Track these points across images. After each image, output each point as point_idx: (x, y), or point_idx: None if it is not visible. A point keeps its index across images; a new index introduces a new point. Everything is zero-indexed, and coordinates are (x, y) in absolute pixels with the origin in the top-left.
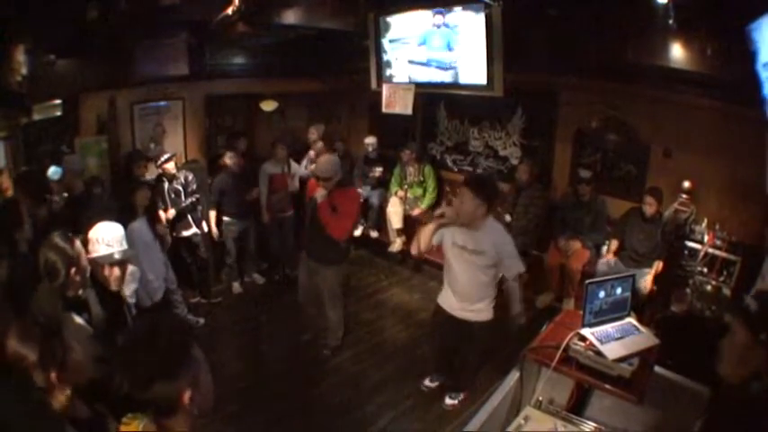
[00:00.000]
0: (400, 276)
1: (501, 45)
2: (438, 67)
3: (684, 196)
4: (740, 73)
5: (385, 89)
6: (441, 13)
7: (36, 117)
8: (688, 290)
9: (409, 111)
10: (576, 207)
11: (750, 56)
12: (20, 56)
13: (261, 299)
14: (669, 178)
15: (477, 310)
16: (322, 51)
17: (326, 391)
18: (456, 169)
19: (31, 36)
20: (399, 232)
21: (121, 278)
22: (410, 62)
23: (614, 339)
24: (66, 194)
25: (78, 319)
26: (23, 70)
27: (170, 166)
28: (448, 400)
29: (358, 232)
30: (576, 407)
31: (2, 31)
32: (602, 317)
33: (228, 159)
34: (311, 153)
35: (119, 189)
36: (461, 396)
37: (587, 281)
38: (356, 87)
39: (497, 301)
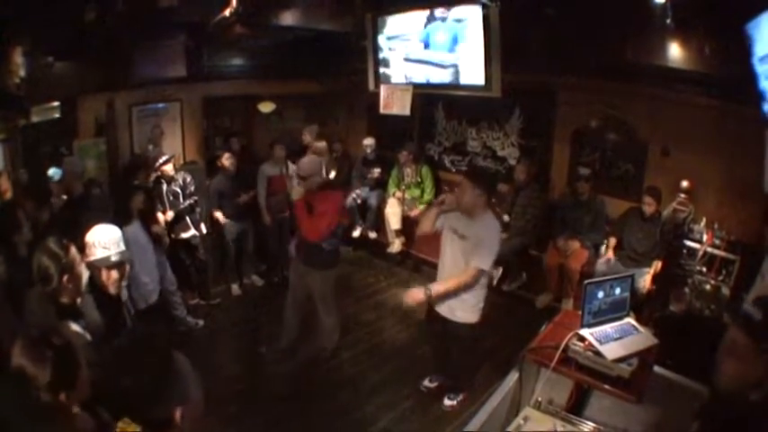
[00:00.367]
0: (399, 277)
1: (499, 45)
2: (438, 65)
3: (683, 195)
4: (738, 72)
5: (383, 90)
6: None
7: (34, 119)
8: (687, 289)
9: (407, 111)
10: (575, 207)
11: (748, 54)
12: (18, 58)
13: (260, 300)
14: (667, 177)
15: (462, 309)
16: (320, 52)
17: (326, 392)
18: (454, 170)
19: (30, 38)
20: (398, 233)
21: (120, 281)
22: (407, 60)
23: (613, 339)
24: (65, 196)
25: (75, 327)
26: (22, 72)
27: (168, 168)
28: (447, 401)
29: (356, 233)
30: (576, 407)
31: (0, 32)
32: (601, 317)
33: (226, 161)
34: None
35: (117, 191)
36: (460, 397)
37: (586, 281)
38: (354, 88)
39: (497, 301)
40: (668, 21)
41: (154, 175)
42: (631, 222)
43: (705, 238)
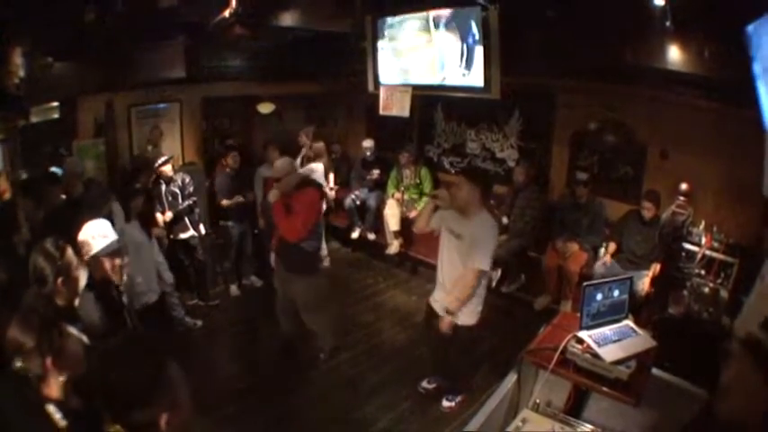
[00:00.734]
0: (398, 278)
1: (498, 47)
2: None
3: (682, 198)
4: (737, 74)
5: (382, 91)
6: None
7: (34, 120)
8: (685, 292)
9: (406, 113)
10: (574, 209)
11: (747, 57)
12: (17, 58)
13: (258, 301)
14: (666, 180)
15: (462, 311)
16: (319, 54)
17: (324, 392)
18: (453, 171)
19: (29, 38)
20: (397, 234)
21: (122, 268)
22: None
23: (612, 342)
24: (64, 196)
25: (71, 329)
26: (21, 73)
27: (167, 169)
28: (445, 403)
29: (355, 234)
30: (574, 409)
31: (0, 33)
32: (599, 319)
33: (231, 160)
34: (310, 153)
35: (117, 193)
36: (459, 398)
37: (585, 283)
38: (353, 90)
39: (496, 303)
40: (668, 23)
41: (153, 176)
42: (630, 225)
43: (704, 240)
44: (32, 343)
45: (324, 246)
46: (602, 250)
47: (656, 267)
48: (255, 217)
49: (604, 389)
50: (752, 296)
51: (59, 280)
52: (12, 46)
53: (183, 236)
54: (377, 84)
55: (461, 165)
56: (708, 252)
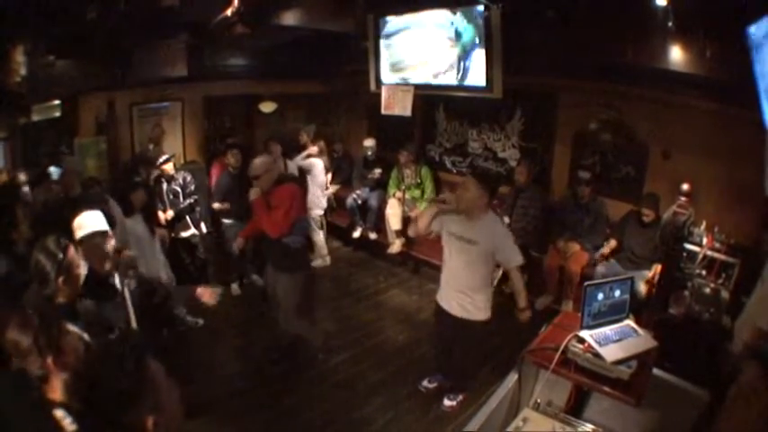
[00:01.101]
0: (399, 278)
1: (500, 47)
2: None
3: (683, 198)
4: (738, 75)
5: (384, 91)
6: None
7: (35, 118)
8: (686, 292)
9: (408, 112)
10: (576, 209)
11: (749, 58)
12: (19, 56)
13: (259, 300)
14: (668, 180)
15: (474, 307)
16: (321, 53)
17: (325, 391)
18: (455, 171)
19: (31, 37)
20: (398, 234)
21: (113, 255)
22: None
23: (613, 341)
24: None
25: (72, 328)
26: (23, 71)
27: (168, 167)
28: (446, 402)
29: (357, 234)
30: (575, 409)
31: (2, 31)
32: (600, 319)
33: (232, 158)
34: (312, 151)
35: (117, 190)
36: (460, 397)
37: (586, 283)
38: (355, 89)
39: (497, 301)
40: (669, 24)
41: (154, 174)
42: (630, 227)
43: (705, 241)
44: (31, 341)
45: (324, 244)
46: (602, 250)
47: (656, 268)
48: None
49: (605, 389)
50: (753, 298)
51: (60, 278)
52: (14, 44)
53: (184, 234)
54: (378, 83)
55: (463, 164)
56: (709, 252)
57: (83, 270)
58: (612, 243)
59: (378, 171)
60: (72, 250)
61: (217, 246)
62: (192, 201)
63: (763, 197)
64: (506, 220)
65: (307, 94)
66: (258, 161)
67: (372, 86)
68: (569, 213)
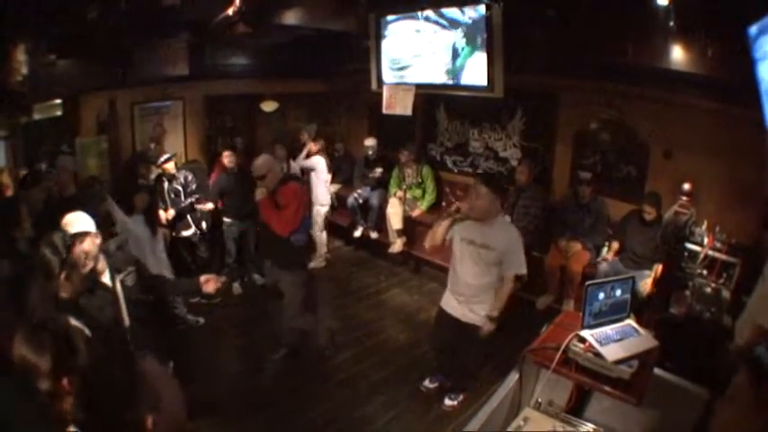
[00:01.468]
0: (400, 277)
1: (501, 46)
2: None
3: (684, 198)
4: (740, 74)
5: (385, 90)
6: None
7: (36, 117)
8: (687, 292)
9: (409, 112)
10: (577, 208)
11: (750, 58)
12: (20, 56)
13: (261, 299)
14: (669, 180)
15: (482, 310)
16: (322, 52)
17: (326, 390)
18: (456, 170)
19: (32, 36)
20: (399, 233)
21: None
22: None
23: (614, 341)
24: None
25: (75, 323)
26: (24, 70)
27: (170, 166)
28: (447, 401)
29: (358, 233)
30: (576, 408)
31: (3, 30)
32: (601, 318)
33: (226, 159)
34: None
35: (119, 190)
36: (461, 397)
37: (587, 282)
38: (356, 88)
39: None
40: (671, 23)
41: (156, 173)
42: (632, 226)
43: (706, 240)
44: (47, 366)
45: (324, 244)
46: (605, 249)
47: (657, 268)
48: (258, 214)
49: (606, 388)
50: (754, 296)
51: (63, 274)
52: (15, 43)
53: (185, 233)
54: (380, 82)
55: (464, 164)
56: (710, 252)
57: (88, 267)
58: (615, 245)
59: (379, 170)
60: (78, 247)
61: (217, 244)
62: (193, 200)
63: (764, 197)
64: (507, 219)
65: (308, 93)
66: (260, 161)
67: (374, 86)
68: (570, 213)
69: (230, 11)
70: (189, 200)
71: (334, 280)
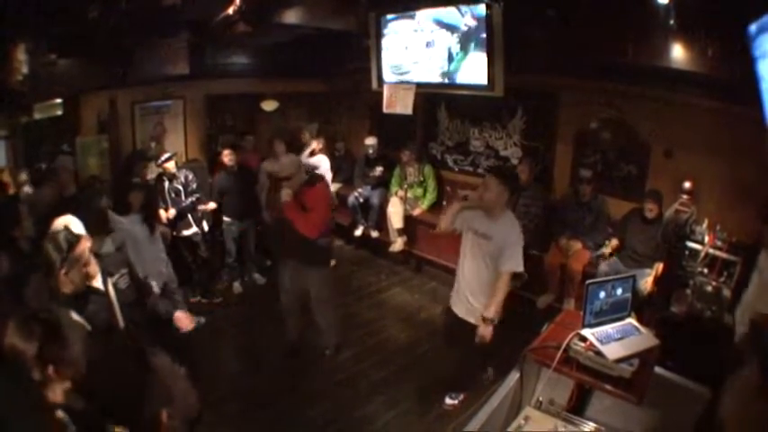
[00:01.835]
0: (401, 276)
1: (501, 45)
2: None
3: (685, 197)
4: (740, 73)
5: (386, 89)
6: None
7: (37, 116)
8: (688, 290)
9: (410, 111)
10: (577, 207)
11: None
12: (21, 55)
13: (261, 298)
14: (670, 179)
15: (477, 312)
16: (323, 51)
17: (327, 390)
18: (457, 169)
19: (32, 36)
20: (400, 232)
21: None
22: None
23: (614, 340)
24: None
25: (75, 316)
26: (24, 69)
27: (170, 166)
28: (448, 400)
29: (359, 232)
30: (577, 407)
31: (3, 30)
32: (602, 317)
33: (226, 158)
34: (313, 147)
35: (116, 186)
36: (461, 396)
37: (588, 281)
38: (357, 87)
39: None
40: (671, 22)
41: (156, 172)
42: (633, 224)
43: (707, 239)
44: (33, 351)
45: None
46: (604, 246)
47: (658, 267)
48: (258, 213)
49: (607, 387)
50: (750, 287)
51: (63, 270)
52: (15, 43)
53: (185, 233)
54: (380, 81)
55: (465, 163)
56: (711, 250)
57: (91, 266)
58: (614, 242)
59: (379, 169)
60: (81, 245)
61: (218, 244)
62: (193, 199)
63: (764, 195)
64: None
65: (308, 92)
66: (287, 160)
67: (374, 85)
68: (571, 212)
69: (230, 10)
70: (189, 199)
71: (335, 279)
